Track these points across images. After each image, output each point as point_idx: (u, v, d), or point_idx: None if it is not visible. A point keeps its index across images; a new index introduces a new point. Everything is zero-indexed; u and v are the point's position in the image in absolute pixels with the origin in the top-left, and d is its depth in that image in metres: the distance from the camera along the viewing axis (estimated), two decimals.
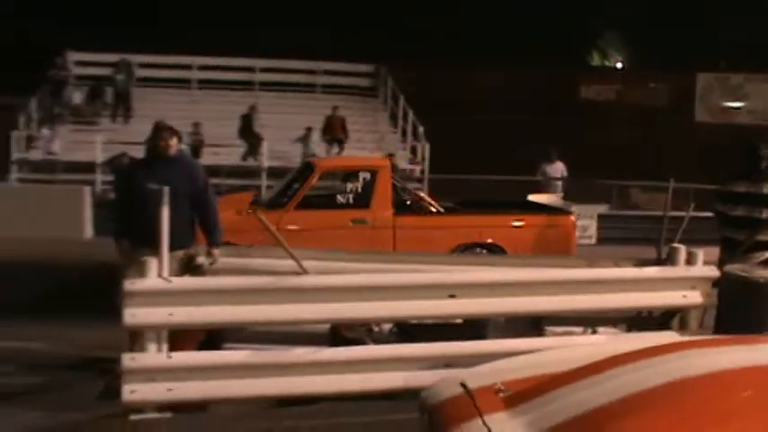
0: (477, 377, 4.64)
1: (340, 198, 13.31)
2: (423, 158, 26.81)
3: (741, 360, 4.23)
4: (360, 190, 13.01)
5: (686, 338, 7.36)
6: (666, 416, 3.76)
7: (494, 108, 28.74)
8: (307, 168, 13.42)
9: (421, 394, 4.79)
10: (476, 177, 22.13)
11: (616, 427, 3.74)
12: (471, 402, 4.30)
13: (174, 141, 8.90)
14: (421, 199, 13.52)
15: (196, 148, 25.17)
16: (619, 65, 40.55)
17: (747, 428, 3.65)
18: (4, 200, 19.12)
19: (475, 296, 8.14)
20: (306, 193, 12.50)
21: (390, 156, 25.09)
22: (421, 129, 27.22)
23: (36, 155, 25.35)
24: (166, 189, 7.66)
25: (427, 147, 26.64)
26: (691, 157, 25.67)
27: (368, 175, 12.94)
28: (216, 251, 8.56)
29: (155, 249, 7.78)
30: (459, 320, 8.64)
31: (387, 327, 8.72)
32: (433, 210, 13.13)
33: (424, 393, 4.78)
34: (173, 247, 7.98)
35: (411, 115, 27.62)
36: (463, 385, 4.50)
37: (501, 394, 4.31)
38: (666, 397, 3.92)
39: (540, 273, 8.66)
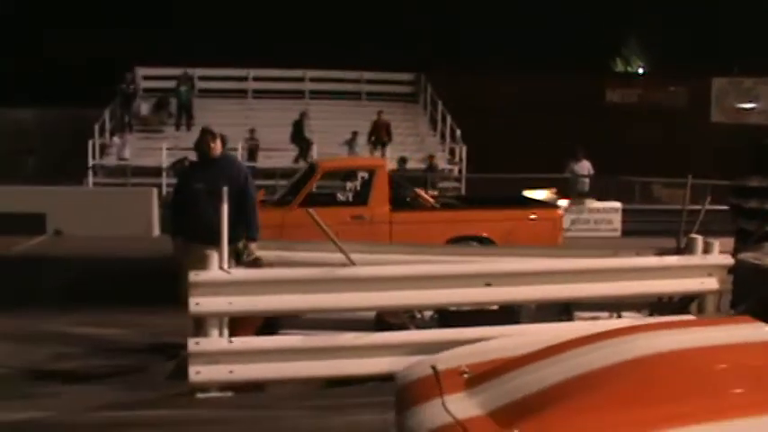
0: (448, 360, 4.57)
1: (340, 196, 13.36)
2: (460, 159, 26.83)
3: (689, 341, 4.13)
4: (359, 188, 13.04)
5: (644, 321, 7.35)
6: (611, 394, 3.67)
7: (525, 112, 28.64)
8: (311, 169, 13.39)
9: (396, 375, 4.73)
10: (508, 176, 22.08)
11: (560, 405, 3.65)
12: (436, 383, 4.23)
13: (216, 144, 8.95)
14: (418, 196, 13.49)
15: (252, 152, 25.35)
16: (640, 70, 40.24)
17: (692, 406, 3.54)
18: (82, 202, 19.37)
19: (509, 284, 8.13)
20: (308, 192, 12.39)
21: (431, 157, 25.18)
22: (458, 132, 27.22)
23: (109, 161, 25.69)
24: (225, 189, 7.73)
25: (464, 148, 26.65)
26: (708, 154, 25.41)
27: (366, 175, 12.97)
28: (253, 245, 8.67)
29: (204, 245, 7.90)
30: (494, 307, 8.64)
31: (428, 313, 8.71)
32: (429, 205, 13.11)
33: (399, 374, 4.72)
34: (216, 242, 8.08)
35: (449, 119, 27.61)
36: (433, 367, 4.43)
37: (464, 376, 4.24)
38: (613, 377, 3.81)
39: (569, 262, 8.64)
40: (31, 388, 7.93)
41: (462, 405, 3.91)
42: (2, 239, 17.37)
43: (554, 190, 20.54)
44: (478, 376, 4.19)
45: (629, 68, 40.92)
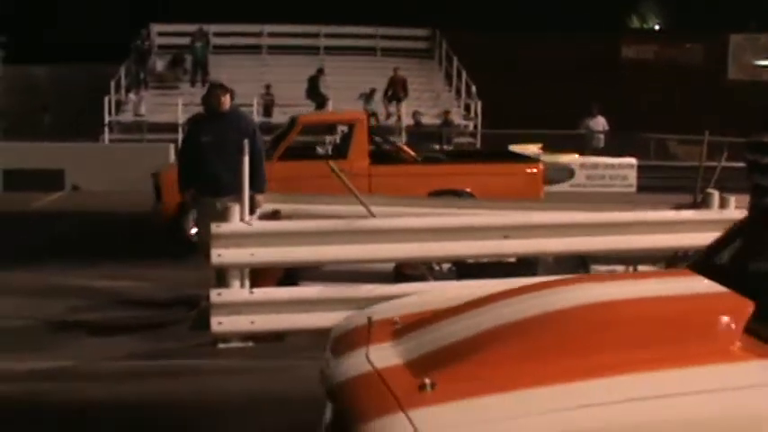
0: (386, 311, 4.58)
1: (320, 150, 13.37)
2: (475, 114, 26.81)
3: (616, 294, 4.14)
4: (338, 141, 13.03)
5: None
6: (523, 346, 3.69)
7: (541, 68, 28.52)
8: (291, 123, 13.37)
9: (334, 325, 4.75)
10: (523, 131, 22.05)
11: (473, 356, 3.67)
12: (366, 333, 4.24)
13: (226, 98, 8.96)
14: (400, 149, 13.52)
15: (267, 108, 25.36)
16: (656, 27, 39.96)
17: (598, 359, 3.55)
18: (99, 158, 19.48)
19: (527, 237, 8.18)
20: (288, 146, 12.41)
21: (446, 112, 25.16)
22: (473, 87, 27.16)
23: (125, 117, 25.75)
24: (246, 141, 7.81)
25: (479, 104, 26.60)
26: (725, 111, 25.28)
27: (346, 128, 12.98)
28: (260, 197, 8.73)
29: (213, 197, 8.11)
30: (512, 259, 8.70)
31: (446, 266, 8.78)
32: (410, 159, 13.12)
33: (337, 324, 4.74)
34: (223, 193, 8.17)
35: (464, 75, 27.53)
36: (369, 317, 4.43)
37: (395, 326, 4.25)
38: (529, 329, 3.83)
39: (586, 215, 8.69)
40: (53, 339, 8.05)
41: (384, 354, 3.94)
42: (22, 195, 17.58)
43: (540, 145, 20.52)
44: (406, 327, 4.21)
45: (645, 25, 40.65)
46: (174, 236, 11.92)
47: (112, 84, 25.63)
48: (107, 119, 24.90)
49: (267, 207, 8.82)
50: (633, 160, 20.56)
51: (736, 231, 4.92)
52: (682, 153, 24.19)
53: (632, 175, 20.27)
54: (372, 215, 7.86)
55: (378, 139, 13.60)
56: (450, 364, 3.66)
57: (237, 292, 7.60)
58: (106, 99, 25.00)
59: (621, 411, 3.27)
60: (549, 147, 20.28)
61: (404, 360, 3.85)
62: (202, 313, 7.87)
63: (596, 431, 3.21)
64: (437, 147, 21.22)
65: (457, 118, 26.74)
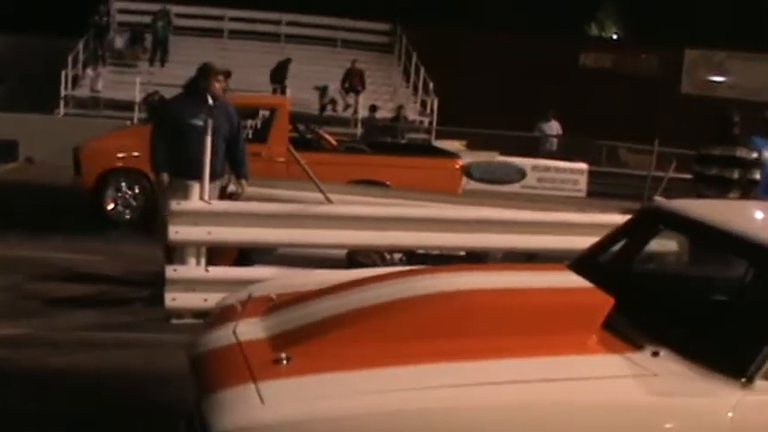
0: (267, 288, 4.76)
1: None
2: (431, 111, 27.05)
3: (474, 283, 4.31)
4: (259, 126, 13.22)
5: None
6: (373, 328, 3.87)
7: (500, 69, 28.80)
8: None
9: (219, 300, 4.95)
10: (477, 131, 22.36)
11: (329, 335, 3.86)
12: (242, 308, 4.44)
13: (223, 83, 8.91)
14: (321, 137, 13.70)
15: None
16: (615, 36, 40.47)
17: (455, 344, 3.74)
18: (53, 131, 19.36)
19: (477, 231, 8.41)
20: None
21: (400, 107, 25.37)
22: (431, 84, 27.41)
23: (82, 92, 25.60)
24: (210, 123, 7.94)
25: (435, 101, 26.85)
26: (676, 123, 25.77)
27: (267, 113, 13.16)
28: (244, 182, 8.81)
29: (191, 180, 8.08)
30: (462, 252, 8.93)
31: (397, 255, 8.99)
32: (330, 148, 13.35)
33: (221, 299, 4.95)
34: (212, 178, 8.27)
35: (422, 71, 27.77)
36: (249, 294, 4.68)
37: (270, 303, 4.42)
38: (383, 313, 4.00)
39: (537, 214, 8.93)
40: (9, 308, 8.13)
41: (251, 329, 4.11)
42: None
43: (464, 142, 20.86)
44: (279, 304, 4.39)
45: (604, 33, 41.14)
46: (92, 209, 12.52)
47: (70, 58, 25.46)
48: (63, 93, 24.75)
49: (230, 188, 8.92)
50: (584, 165, 20.96)
51: (619, 232, 5.12)
52: (632, 161, 24.63)
53: (583, 180, 20.68)
54: (330, 201, 8.06)
55: (300, 126, 13.76)
56: (309, 340, 3.84)
57: (193, 269, 7.76)
58: (63, 73, 24.82)
59: (457, 394, 3.44)
60: (502, 147, 20.59)
61: (268, 335, 4.01)
62: (157, 289, 8.00)
63: (423, 411, 3.36)
64: (389, 139, 21.48)
65: (412, 114, 26.97)
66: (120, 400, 5.96)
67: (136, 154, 12.41)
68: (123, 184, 12.79)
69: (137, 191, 12.76)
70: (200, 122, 8.29)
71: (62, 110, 24.22)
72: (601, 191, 19.82)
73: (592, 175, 20.97)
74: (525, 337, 3.86)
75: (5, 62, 27.38)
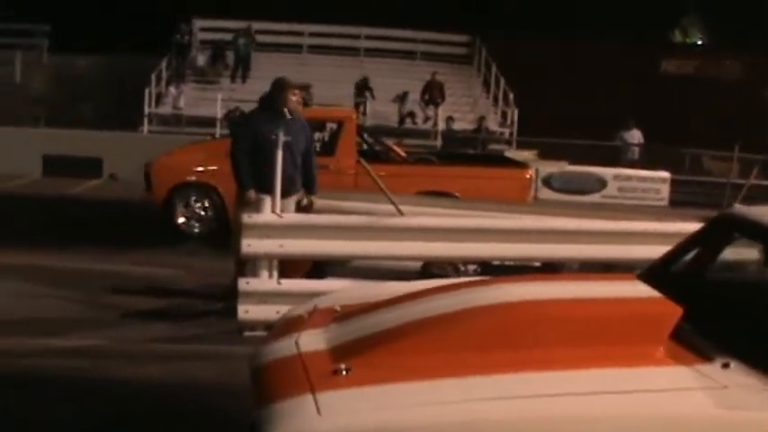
0: (331, 300, 4.73)
1: None
2: (511, 122, 26.88)
3: (545, 293, 4.21)
4: (326, 139, 13.23)
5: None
6: (438, 339, 3.79)
7: (580, 78, 28.50)
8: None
9: (286, 312, 4.94)
10: (558, 141, 22.14)
11: (390, 345, 3.79)
12: (306, 319, 4.42)
13: (299, 98, 8.94)
14: (390, 149, 13.70)
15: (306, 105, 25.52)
16: (699, 42, 39.77)
17: (521, 354, 3.66)
18: (136, 149, 19.65)
19: (553, 242, 8.28)
20: None
21: (481, 119, 25.26)
22: (511, 95, 27.25)
23: (165, 110, 26.06)
24: (283, 137, 7.98)
25: (516, 112, 26.68)
26: (761, 130, 25.18)
27: (334, 126, 13.14)
28: (314, 198, 8.86)
29: (282, 196, 8.09)
30: (537, 264, 8.81)
31: (471, 267, 8.91)
32: (398, 159, 13.28)
33: (288, 311, 4.94)
34: (290, 193, 8.33)
35: (502, 82, 27.62)
36: (315, 305, 4.66)
37: (334, 314, 4.38)
38: (448, 323, 3.92)
39: (612, 224, 8.76)
40: (89, 320, 8.32)
41: (313, 340, 4.08)
42: (60, 181, 17.96)
43: (535, 152, 20.63)
44: (343, 315, 4.35)
45: (688, 40, 40.47)
46: (163, 223, 12.72)
47: (153, 76, 25.95)
48: (147, 111, 25.22)
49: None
50: (666, 174, 20.55)
51: (692, 241, 4.97)
52: (716, 169, 24.10)
53: (665, 189, 20.28)
54: (401, 213, 8.01)
55: (368, 137, 13.76)
56: (369, 351, 3.78)
57: (265, 281, 7.78)
58: (146, 91, 25.30)
59: (522, 406, 3.35)
60: (583, 157, 20.35)
61: (329, 346, 3.98)
62: (230, 302, 8.04)
63: (483, 423, 3.28)
64: (469, 151, 21.41)
65: (493, 125, 26.84)
66: (190, 411, 6.00)
67: (206, 168, 12.60)
68: (193, 198, 12.98)
69: (206, 205, 12.93)
70: (282, 137, 8.27)
71: (146, 127, 24.68)
72: (684, 199, 19.42)
73: (674, 183, 20.55)
74: (590, 348, 3.76)
75: (94, 82, 28.05)
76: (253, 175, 8.59)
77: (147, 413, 5.97)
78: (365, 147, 13.41)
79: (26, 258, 10.53)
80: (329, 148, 12.84)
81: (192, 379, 6.60)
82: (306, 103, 9.13)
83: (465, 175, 12.79)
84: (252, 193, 8.52)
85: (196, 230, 12.96)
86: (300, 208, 8.83)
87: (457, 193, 12.08)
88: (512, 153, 18.02)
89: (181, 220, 12.93)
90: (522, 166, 14.15)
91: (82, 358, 7.09)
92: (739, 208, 5.17)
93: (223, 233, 11.43)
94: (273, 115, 8.63)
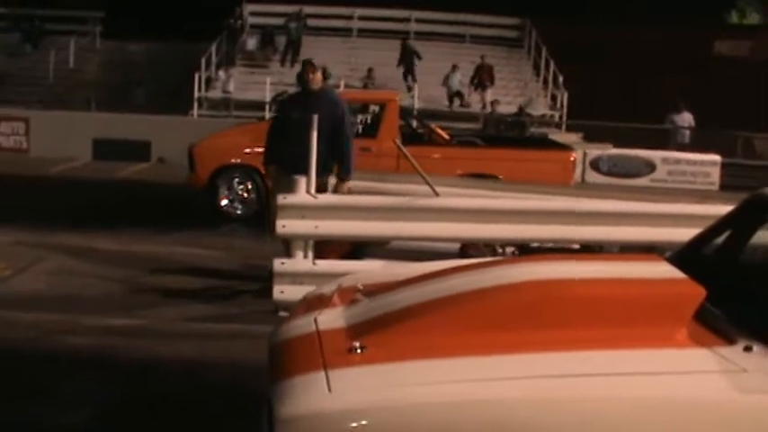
0: (356, 280, 4.61)
1: None
2: (561, 105, 26.66)
3: (567, 272, 4.11)
4: (369, 121, 13.14)
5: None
6: (456, 317, 3.70)
7: (631, 60, 28.12)
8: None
9: (310, 291, 4.90)
10: (608, 124, 21.90)
11: (406, 324, 3.71)
12: (328, 298, 4.36)
13: (316, 75, 8.96)
14: (433, 131, 13.58)
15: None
16: (755, 22, 39.00)
17: (538, 334, 3.56)
18: (185, 133, 19.78)
19: (590, 223, 8.17)
20: None
21: (521, 108, 25.02)
22: (561, 78, 27.01)
23: (214, 94, 26.21)
24: (315, 117, 7.93)
25: (566, 95, 26.45)
26: None
27: (377, 108, 13.04)
28: (344, 186, 8.78)
29: (294, 173, 8.01)
30: (576, 246, 8.71)
31: (510, 249, 8.83)
32: (441, 141, 13.16)
33: (312, 290, 4.89)
34: (298, 171, 8.27)
35: (552, 65, 27.39)
36: (339, 284, 4.58)
37: (356, 294, 4.27)
38: (466, 301, 3.83)
39: (652, 206, 8.65)
40: (129, 300, 8.44)
41: (331, 318, 4.02)
42: (110, 164, 18.18)
43: (580, 134, 20.36)
44: (363, 294, 4.26)
45: (745, 21, 39.73)
46: (206, 205, 12.88)
47: (203, 60, 26.11)
48: (197, 94, 25.40)
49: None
50: (717, 157, 20.19)
51: (723, 222, 4.82)
52: None
53: (715, 173, 19.92)
54: (436, 194, 7.95)
55: (412, 120, 13.73)
56: (385, 329, 3.72)
57: (301, 262, 7.77)
58: (196, 75, 25.47)
59: (540, 386, 3.28)
60: (634, 141, 20.09)
61: (347, 324, 3.92)
62: (267, 283, 8.08)
63: (498, 402, 3.22)
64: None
65: (543, 108, 26.64)
66: (222, 388, 6.02)
67: (248, 151, 12.68)
68: (236, 180, 13.07)
69: (249, 187, 13.01)
70: (296, 115, 8.55)
71: (195, 111, 24.85)
72: (735, 183, 19.05)
73: (725, 167, 20.18)
74: (611, 329, 3.67)
75: (146, 67, 28.33)
76: (279, 153, 8.81)
77: (177, 391, 6.01)
78: (408, 129, 13.33)
79: (73, 239, 10.73)
80: (372, 130, 12.83)
81: (226, 357, 6.65)
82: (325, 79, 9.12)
83: (508, 157, 12.70)
84: (270, 169, 8.87)
85: (239, 212, 13.06)
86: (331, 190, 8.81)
87: (500, 176, 11.99)
88: (557, 136, 17.83)
89: (224, 202, 13.02)
90: (566, 148, 14.05)
91: (117, 336, 7.20)
92: None
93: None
94: (299, 94, 8.96)
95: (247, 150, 12.85)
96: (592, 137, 20.64)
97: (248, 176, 12.99)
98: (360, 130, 13.02)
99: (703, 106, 22.92)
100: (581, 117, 24.28)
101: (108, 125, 20.16)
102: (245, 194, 13.09)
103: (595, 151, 18.75)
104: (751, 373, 3.41)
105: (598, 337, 3.61)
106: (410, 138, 12.66)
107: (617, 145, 19.60)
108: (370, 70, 26.18)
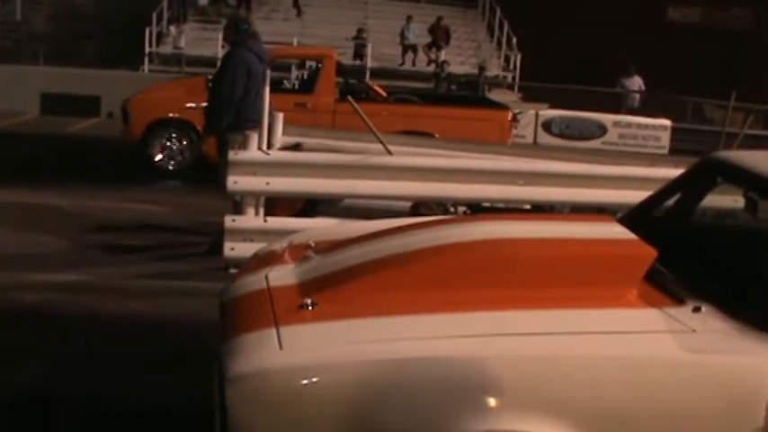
0: (307, 237, 4.62)
1: (287, 83, 13.40)
2: (514, 67, 26.66)
3: (513, 232, 4.17)
4: (305, 77, 13.05)
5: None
6: (403, 276, 3.73)
7: (583, 24, 28.13)
8: None
9: (260, 248, 4.89)
10: (560, 86, 21.93)
11: (355, 282, 3.73)
12: (278, 255, 4.38)
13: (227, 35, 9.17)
14: (370, 88, 13.63)
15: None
16: None
17: (484, 293, 3.59)
18: (135, 87, 19.44)
19: (543, 185, 8.19)
20: None
21: (481, 68, 25.02)
22: (514, 40, 26.99)
23: (165, 49, 25.83)
24: (268, 72, 7.87)
25: (519, 56, 26.44)
26: (766, 79, 24.91)
27: (314, 64, 12.98)
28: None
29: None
30: (527, 206, 8.73)
31: (461, 209, 8.82)
32: (378, 98, 13.20)
33: (263, 247, 4.88)
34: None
35: (506, 27, 27.34)
36: (290, 241, 4.58)
37: (307, 251, 4.29)
38: (414, 260, 3.86)
39: (603, 168, 8.67)
40: (78, 256, 8.32)
41: (282, 275, 4.02)
42: (59, 119, 17.86)
43: (520, 94, 20.44)
44: (314, 251, 4.27)
45: None
46: (140, 160, 12.85)
47: (154, 15, 25.68)
48: (147, 50, 25.01)
49: (289, 140, 8.85)
50: (667, 122, 20.36)
51: (674, 185, 4.87)
52: (718, 118, 23.90)
53: (666, 137, 20.11)
54: (389, 152, 7.91)
55: (348, 77, 13.75)
56: (336, 286, 3.73)
57: (251, 219, 7.70)
58: (147, 30, 25.07)
59: (487, 344, 3.30)
60: (587, 104, 20.15)
61: (298, 281, 3.92)
62: (217, 240, 8.00)
63: (441, 360, 3.22)
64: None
65: (496, 69, 26.62)
66: (172, 345, 5.99)
67: (183, 105, 12.65)
68: (171, 135, 12.96)
69: (184, 142, 12.89)
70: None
71: (146, 66, 24.46)
72: (685, 147, 19.24)
73: (675, 131, 20.37)
74: (561, 289, 3.68)
75: (95, 21, 27.79)
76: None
77: (127, 348, 5.95)
78: (345, 86, 13.29)
79: (21, 195, 10.58)
80: (308, 86, 12.77)
81: (177, 315, 6.58)
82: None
83: (444, 115, 12.65)
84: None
85: (171, 168, 12.94)
86: (291, 146, 8.72)
87: (436, 134, 11.95)
88: (495, 95, 17.80)
89: (158, 157, 12.89)
90: (502, 107, 14.05)
91: (66, 292, 7.09)
92: (722, 152, 5.07)
93: (200, 170, 11.75)
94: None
95: (183, 105, 12.78)
96: (541, 99, 20.65)
97: (182, 131, 12.86)
98: (296, 86, 12.97)
99: (656, 71, 23.06)
100: (533, 79, 24.30)
101: (57, 79, 19.81)
102: (180, 150, 12.96)
103: (548, 113, 18.79)
104: (699, 333, 3.45)
105: (548, 296, 3.63)
106: (346, 94, 12.61)
107: (568, 108, 19.67)
108: (359, 30, 25.98)
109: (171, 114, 12.96)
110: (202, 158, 12.02)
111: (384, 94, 13.56)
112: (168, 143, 12.99)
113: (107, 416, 4.99)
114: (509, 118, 13.33)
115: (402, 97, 14.16)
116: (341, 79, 13.47)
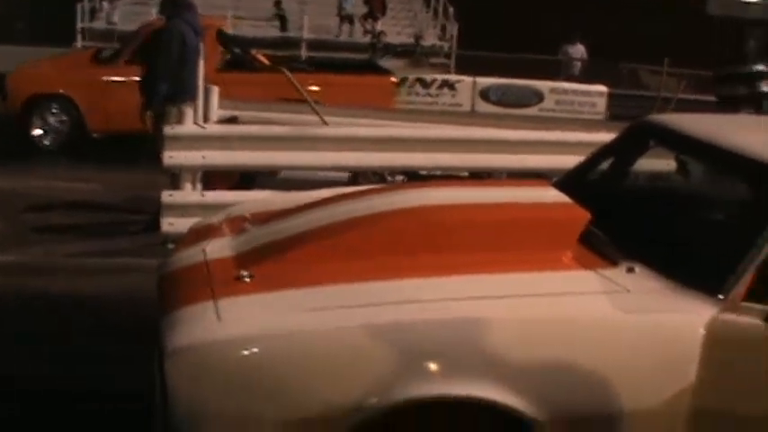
0: (244, 209, 4.62)
1: None
2: (451, 36, 26.65)
3: (448, 198, 4.20)
4: None
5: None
6: (338, 245, 3.76)
7: None
8: (142, 27, 13.61)
9: (196, 222, 4.91)
10: (499, 55, 22.01)
11: (291, 253, 3.76)
12: (215, 228, 4.40)
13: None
14: (254, 58, 13.58)
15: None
16: None
17: (422, 259, 3.63)
18: None
19: (480, 152, 8.23)
20: (134, 49, 12.40)
21: (417, 38, 24.99)
22: (451, 9, 26.98)
23: (98, 24, 25.43)
24: (201, 45, 7.81)
25: (456, 26, 26.45)
26: (702, 45, 25.20)
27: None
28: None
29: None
30: (465, 174, 8.77)
31: (399, 177, 8.85)
32: (261, 67, 13.15)
33: (199, 221, 4.91)
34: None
35: None
36: (227, 214, 4.59)
37: (244, 223, 4.30)
38: (349, 228, 3.90)
39: (539, 134, 8.74)
40: (14, 236, 8.18)
41: (219, 248, 4.03)
42: None
43: (409, 60, 20.64)
44: (252, 223, 4.28)
45: None
46: (18, 135, 12.53)
47: None
48: (80, 25, 24.61)
49: (225, 113, 8.78)
50: (603, 88, 20.46)
51: (607, 149, 4.93)
52: (654, 84, 24.15)
53: (602, 103, 20.22)
54: (325, 123, 7.90)
55: (232, 47, 13.58)
56: (273, 257, 3.75)
57: (189, 194, 7.65)
58: (79, 6, 24.66)
59: (424, 309, 3.33)
60: (529, 72, 20.22)
61: (235, 253, 3.93)
62: (155, 215, 7.93)
63: (375, 327, 3.24)
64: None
65: (432, 39, 26.62)
66: (114, 321, 5.93)
67: (65, 80, 12.49)
68: (52, 110, 12.68)
69: (64, 118, 12.66)
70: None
71: (79, 42, 24.07)
72: (622, 113, 19.41)
73: (612, 97, 20.54)
74: (496, 253, 3.72)
75: None
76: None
77: (69, 327, 5.88)
78: (229, 56, 13.19)
79: None
80: None
81: (118, 291, 6.49)
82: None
83: (327, 82, 12.51)
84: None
85: (47, 143, 12.68)
86: (227, 119, 8.65)
87: (322, 101, 11.91)
88: (386, 61, 17.98)
89: (36, 132, 12.66)
90: (386, 72, 14.25)
91: (7, 275, 6.94)
92: (655, 116, 5.15)
93: (79, 146, 11.83)
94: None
95: (63, 80, 12.58)
96: (482, 68, 20.67)
97: (63, 107, 12.61)
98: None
99: (597, 38, 23.21)
100: (472, 48, 24.32)
101: None
102: (59, 125, 12.70)
103: (485, 81, 18.84)
104: (633, 293, 3.51)
105: (485, 260, 3.65)
106: (231, 64, 12.69)
107: (507, 76, 19.71)
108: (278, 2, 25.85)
109: (51, 90, 12.69)
110: (84, 135, 12.05)
111: (267, 62, 13.54)
112: (50, 119, 12.68)
113: (41, 396, 4.93)
114: (391, 82, 13.50)
115: (288, 66, 14.01)
116: (225, 50, 13.28)
